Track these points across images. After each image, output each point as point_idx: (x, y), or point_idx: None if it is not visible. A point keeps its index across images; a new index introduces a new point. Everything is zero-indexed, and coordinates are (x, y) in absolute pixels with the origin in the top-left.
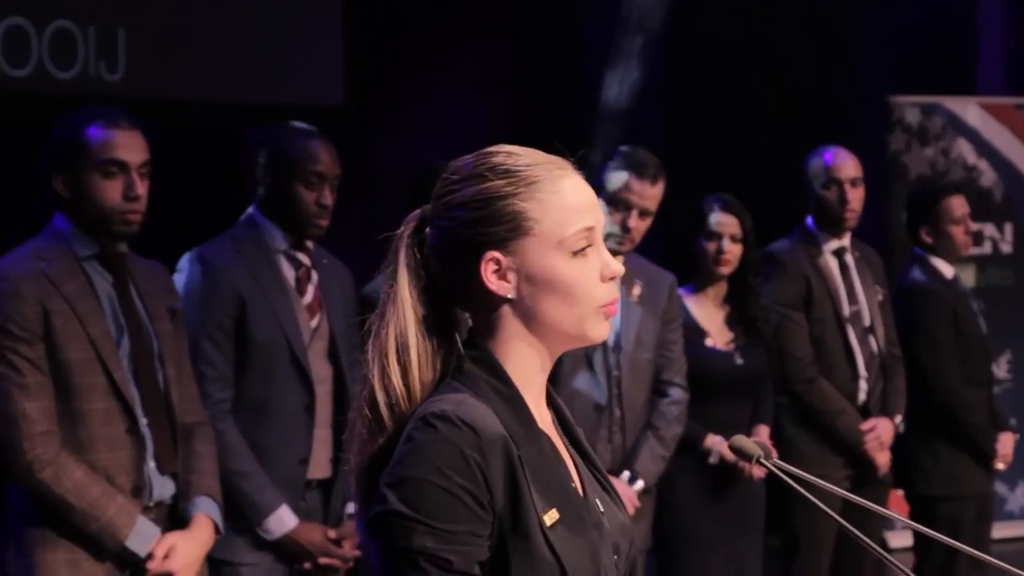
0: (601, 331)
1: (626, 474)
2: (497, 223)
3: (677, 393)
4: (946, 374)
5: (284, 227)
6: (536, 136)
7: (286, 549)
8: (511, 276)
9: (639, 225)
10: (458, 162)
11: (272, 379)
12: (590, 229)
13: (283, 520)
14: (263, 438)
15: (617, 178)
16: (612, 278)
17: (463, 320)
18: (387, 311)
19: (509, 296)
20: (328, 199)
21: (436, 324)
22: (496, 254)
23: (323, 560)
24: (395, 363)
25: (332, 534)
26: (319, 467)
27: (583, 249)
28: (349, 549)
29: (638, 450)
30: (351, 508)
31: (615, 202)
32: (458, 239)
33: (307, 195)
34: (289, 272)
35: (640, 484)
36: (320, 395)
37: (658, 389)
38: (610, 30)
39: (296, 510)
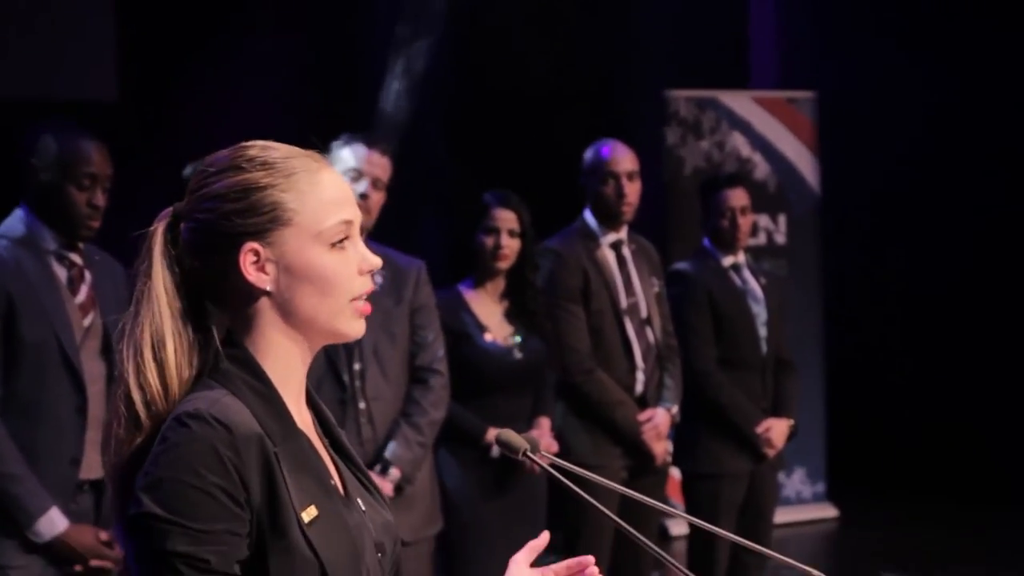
0: (356, 327)
1: (378, 466)
2: (256, 213)
3: (432, 378)
4: (695, 354)
5: (55, 228)
6: (318, 133)
7: (57, 552)
8: (269, 268)
9: (374, 196)
10: (214, 156)
11: (42, 380)
12: (348, 222)
13: (53, 522)
14: (33, 440)
15: (348, 153)
16: (370, 271)
17: (221, 317)
18: (141, 308)
19: (267, 288)
20: (100, 200)
21: (192, 321)
22: (255, 245)
23: (94, 562)
24: (151, 360)
25: (104, 536)
26: (92, 468)
27: (341, 241)
28: (121, 551)
29: (391, 439)
30: None
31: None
32: (216, 231)
33: (78, 196)
34: (61, 272)
35: (395, 472)
36: (93, 395)
37: (414, 376)
38: (390, 28)
39: (67, 512)
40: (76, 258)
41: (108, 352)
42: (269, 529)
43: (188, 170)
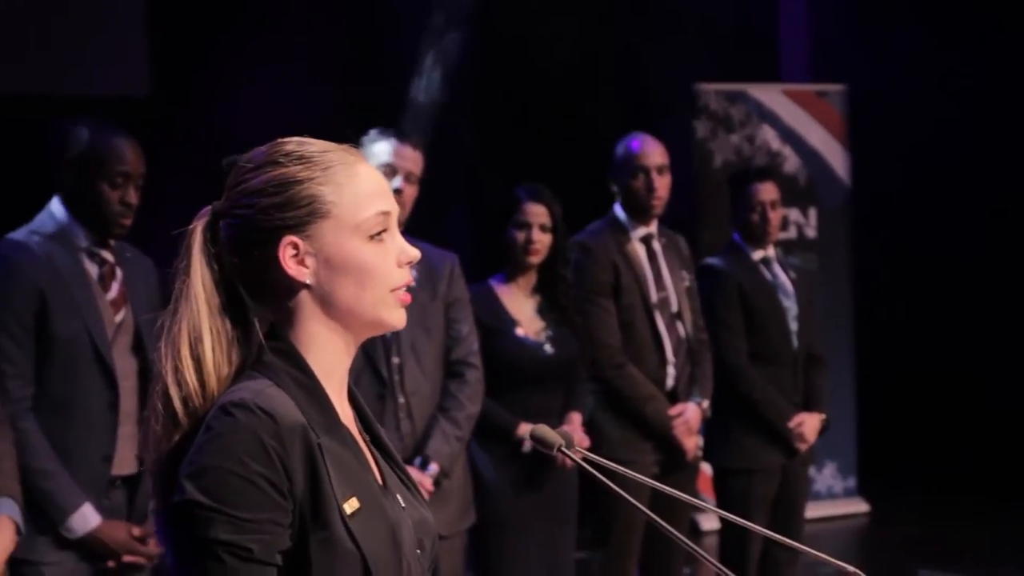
0: (397, 317)
1: (417, 460)
2: (294, 207)
3: (467, 372)
4: (726, 349)
5: (87, 225)
6: (347, 124)
7: (90, 548)
8: (309, 260)
9: (407, 190)
10: (251, 153)
11: (74, 376)
12: (386, 213)
13: (86, 518)
14: (65, 436)
15: (380, 147)
16: (409, 262)
17: (262, 313)
18: (180, 306)
19: (307, 281)
20: (133, 198)
21: (232, 317)
22: (294, 238)
23: (127, 558)
24: (188, 357)
25: (136, 531)
26: (124, 464)
27: (379, 233)
28: (154, 546)
29: (429, 434)
30: None
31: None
32: (255, 226)
33: (111, 194)
34: (92, 268)
35: (434, 468)
36: (125, 390)
37: (450, 370)
38: (418, 23)
39: (100, 508)
40: (107, 255)
41: (139, 348)
42: (311, 520)
43: (227, 161)
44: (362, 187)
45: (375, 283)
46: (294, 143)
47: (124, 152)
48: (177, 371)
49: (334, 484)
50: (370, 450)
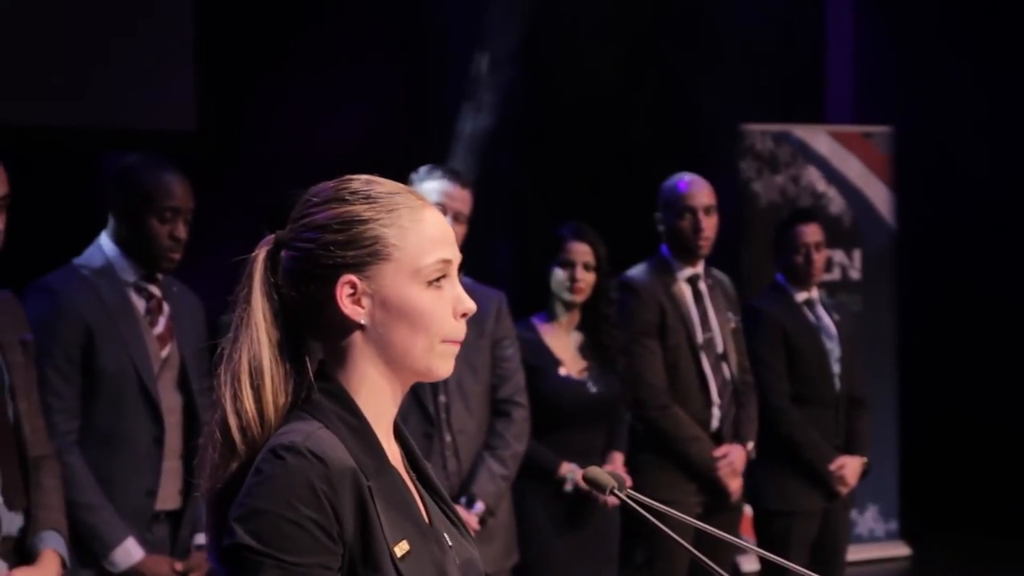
0: (446, 367)
1: (463, 498)
2: (356, 246)
3: (514, 411)
4: (768, 390)
5: (135, 259)
6: (393, 162)
7: None
8: (365, 301)
9: (456, 230)
10: (318, 187)
11: (120, 410)
12: (447, 261)
13: (129, 552)
14: (110, 470)
15: (429, 187)
16: (464, 315)
17: (314, 348)
18: (240, 334)
19: (362, 322)
20: (182, 232)
21: (289, 349)
22: (352, 277)
23: None
24: (248, 386)
25: (179, 566)
26: (168, 499)
27: (438, 280)
28: None
29: (475, 473)
30: (199, 539)
31: None
32: (315, 261)
33: (160, 229)
34: (139, 303)
35: (479, 506)
36: (170, 425)
37: (496, 409)
38: (466, 58)
39: (143, 542)
40: (155, 289)
41: (185, 384)
42: (361, 563)
43: (289, 193)
44: (426, 232)
45: (428, 330)
46: (361, 181)
47: (173, 187)
48: (236, 399)
49: (385, 527)
50: (417, 488)
